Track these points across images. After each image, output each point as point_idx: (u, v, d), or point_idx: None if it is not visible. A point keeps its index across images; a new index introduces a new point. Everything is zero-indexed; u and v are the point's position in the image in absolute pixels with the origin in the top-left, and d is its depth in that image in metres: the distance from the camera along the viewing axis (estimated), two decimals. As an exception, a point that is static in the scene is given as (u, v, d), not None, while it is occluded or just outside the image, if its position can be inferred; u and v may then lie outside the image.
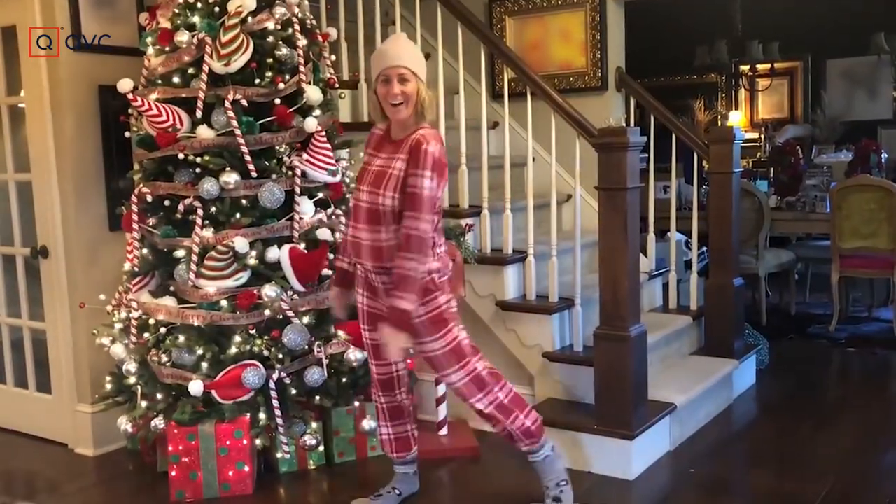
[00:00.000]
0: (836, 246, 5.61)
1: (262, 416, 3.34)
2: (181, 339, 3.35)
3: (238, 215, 3.40)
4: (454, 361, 2.93)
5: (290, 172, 3.48)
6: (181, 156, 3.38)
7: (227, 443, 3.32)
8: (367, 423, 3.54)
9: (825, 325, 5.78)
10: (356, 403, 3.62)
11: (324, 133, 3.51)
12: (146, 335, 3.46)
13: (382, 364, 3.10)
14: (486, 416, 3.04)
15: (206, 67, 3.37)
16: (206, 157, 3.36)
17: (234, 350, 3.33)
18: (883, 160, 6.10)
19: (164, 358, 3.38)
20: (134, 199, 3.53)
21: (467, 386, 2.96)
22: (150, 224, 3.54)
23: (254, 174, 3.39)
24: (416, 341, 2.88)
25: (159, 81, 3.53)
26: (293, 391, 3.42)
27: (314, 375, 3.40)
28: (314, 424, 3.50)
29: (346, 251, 3.07)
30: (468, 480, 3.40)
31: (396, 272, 2.75)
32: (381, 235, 2.82)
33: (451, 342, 2.92)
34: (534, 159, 4.08)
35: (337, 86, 3.83)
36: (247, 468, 3.35)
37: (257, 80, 3.43)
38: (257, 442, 3.38)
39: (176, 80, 3.47)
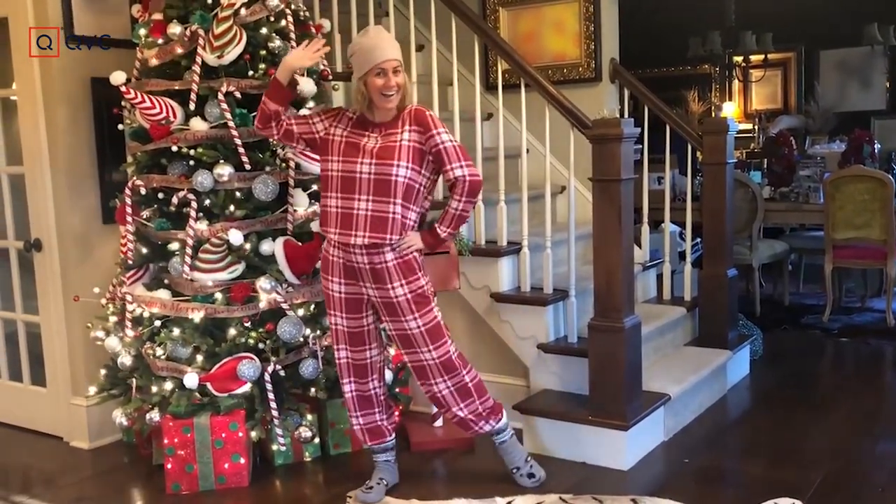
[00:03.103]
0: (829, 237, 5.62)
1: (257, 408, 3.35)
2: (176, 331, 3.35)
3: (232, 208, 3.39)
4: (432, 339, 3.09)
5: (283, 164, 3.48)
6: (175, 148, 3.37)
7: (223, 435, 3.32)
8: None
9: (818, 315, 5.80)
10: (351, 395, 3.63)
11: (318, 125, 3.50)
12: (140, 328, 3.46)
13: (358, 350, 3.14)
14: (441, 400, 3.20)
15: (199, 59, 3.35)
16: (200, 150, 3.35)
17: (228, 343, 3.33)
18: (876, 151, 6.11)
19: (159, 351, 3.38)
20: (127, 191, 3.52)
21: (446, 363, 3.13)
22: (144, 217, 3.53)
23: (248, 166, 3.39)
24: (396, 318, 3.05)
25: (152, 74, 3.52)
26: (288, 383, 3.42)
27: (309, 368, 3.41)
28: (309, 416, 3.50)
29: (326, 222, 3.02)
30: (463, 471, 3.41)
31: (453, 212, 3.00)
32: (391, 207, 2.93)
33: (430, 321, 3.08)
34: (528, 151, 4.08)
35: (330, 77, 3.83)
36: (242, 460, 3.36)
37: (251, 72, 3.42)
38: (253, 434, 3.38)
39: (169, 72, 3.46)
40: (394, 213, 2.93)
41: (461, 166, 2.97)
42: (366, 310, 3.12)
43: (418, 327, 3.07)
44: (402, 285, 3.02)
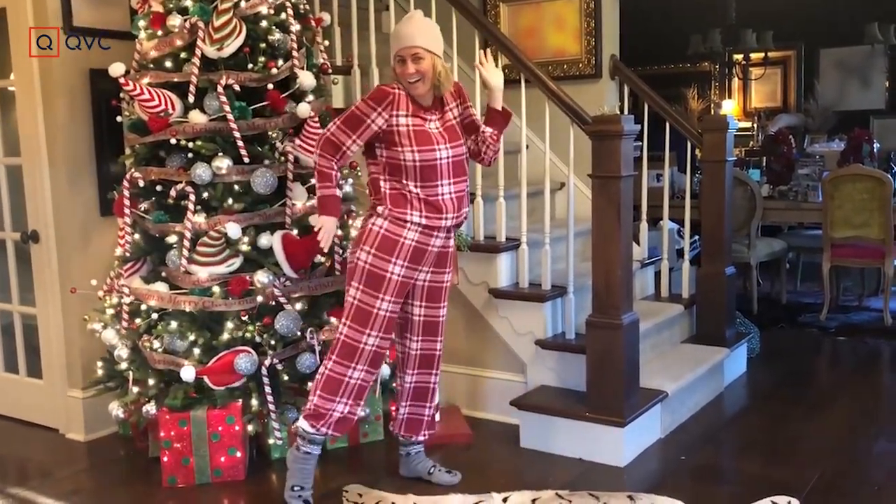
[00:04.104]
0: (827, 235, 5.63)
1: (254, 402, 3.34)
2: (173, 324, 3.35)
3: (230, 201, 3.38)
4: (444, 329, 3.26)
5: (282, 158, 3.47)
6: (173, 141, 3.36)
7: (219, 429, 3.31)
8: (359, 410, 3.53)
9: (816, 313, 5.81)
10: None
11: (317, 119, 3.49)
12: (138, 321, 3.45)
13: (386, 338, 3.07)
14: (430, 391, 3.29)
15: (198, 52, 3.34)
16: (199, 143, 3.34)
17: (226, 336, 3.32)
18: (875, 150, 6.11)
19: (156, 344, 3.38)
20: (126, 183, 3.52)
21: (440, 357, 3.27)
22: (142, 209, 3.52)
23: (246, 160, 3.38)
24: (436, 304, 3.17)
25: (151, 66, 3.50)
26: (285, 377, 3.42)
27: (306, 362, 3.40)
28: (306, 411, 3.50)
29: (406, 206, 2.97)
30: (460, 467, 3.40)
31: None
32: (465, 185, 3.10)
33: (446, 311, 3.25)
34: (527, 147, 4.08)
35: (330, 71, 3.82)
36: (239, 454, 3.35)
37: (250, 65, 3.41)
38: (249, 428, 3.38)
39: (168, 64, 3.45)
40: (466, 189, 3.11)
41: None
42: (405, 296, 3.12)
43: (444, 315, 3.22)
44: (449, 271, 3.18)
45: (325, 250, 3.11)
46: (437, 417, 3.38)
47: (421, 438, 3.34)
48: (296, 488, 3.10)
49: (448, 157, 2.99)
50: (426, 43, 2.95)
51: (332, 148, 2.97)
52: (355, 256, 3.02)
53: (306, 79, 3.49)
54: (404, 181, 2.97)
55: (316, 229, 3.06)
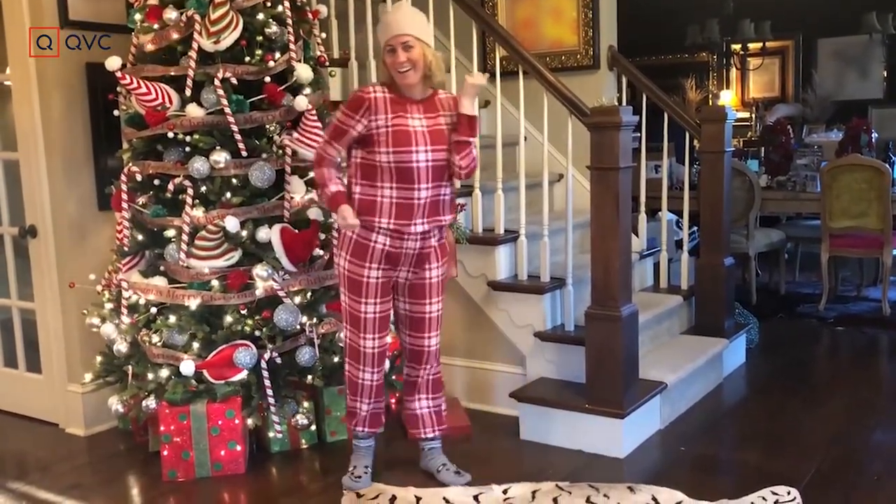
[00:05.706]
0: (825, 225, 5.63)
1: (253, 395, 3.34)
2: (172, 319, 3.34)
3: (228, 195, 3.38)
4: (439, 325, 3.19)
5: (280, 151, 3.46)
6: (171, 134, 3.35)
7: (219, 422, 3.32)
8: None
9: (814, 304, 5.81)
10: (348, 383, 3.62)
11: (314, 111, 3.48)
12: (136, 315, 3.45)
13: (382, 336, 3.10)
14: (436, 384, 3.27)
15: (195, 45, 3.33)
16: (196, 136, 3.33)
17: (225, 330, 3.32)
18: (873, 140, 6.11)
19: (155, 338, 3.37)
20: (123, 178, 3.51)
21: (438, 351, 3.21)
22: (140, 203, 3.51)
23: (244, 153, 3.38)
24: (420, 300, 3.11)
25: (148, 59, 3.49)
26: (285, 371, 3.42)
27: (306, 355, 3.40)
28: (306, 404, 3.50)
29: (376, 212, 2.94)
30: (459, 459, 3.41)
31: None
32: (443, 190, 3.02)
33: (442, 307, 3.19)
34: (525, 139, 4.07)
35: (327, 64, 3.81)
36: (239, 448, 3.36)
37: (247, 58, 3.40)
38: (249, 421, 3.39)
39: (165, 57, 3.43)
40: (445, 195, 3.03)
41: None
42: (392, 293, 3.12)
43: (437, 311, 3.15)
44: (437, 267, 3.10)
45: (357, 229, 2.95)
46: (444, 413, 3.33)
47: (430, 435, 3.31)
48: (351, 468, 3.26)
49: (427, 161, 2.92)
50: (416, 31, 2.92)
51: (323, 161, 3.01)
52: (335, 262, 3.11)
53: (304, 71, 3.48)
54: (379, 183, 2.93)
55: (337, 225, 3.05)
